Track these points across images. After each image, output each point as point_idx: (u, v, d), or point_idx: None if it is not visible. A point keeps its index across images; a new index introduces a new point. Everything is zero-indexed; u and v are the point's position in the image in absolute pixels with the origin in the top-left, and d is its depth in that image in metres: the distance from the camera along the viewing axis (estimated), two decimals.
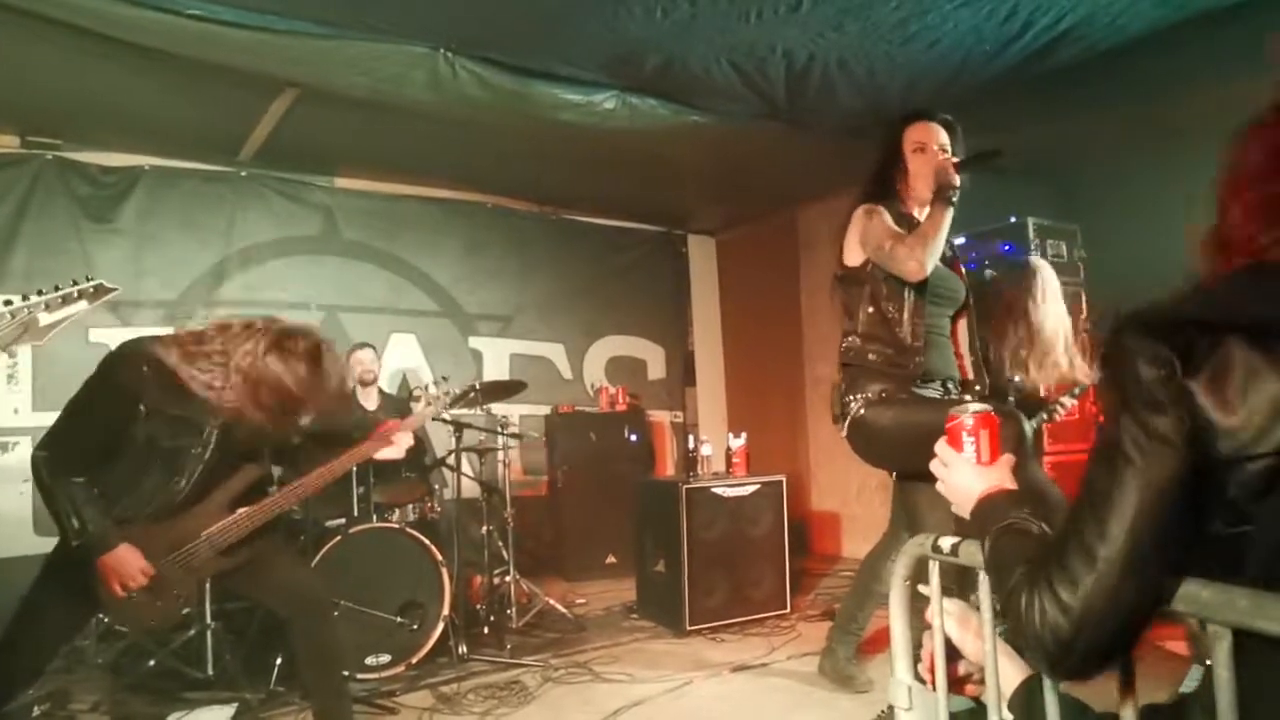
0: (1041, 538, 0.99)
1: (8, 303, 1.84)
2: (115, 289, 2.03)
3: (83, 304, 1.95)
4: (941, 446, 1.23)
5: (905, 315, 2.53)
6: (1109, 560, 0.83)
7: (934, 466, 1.24)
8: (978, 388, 2.69)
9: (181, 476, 2.34)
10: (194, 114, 4.29)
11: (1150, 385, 0.82)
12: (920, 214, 2.65)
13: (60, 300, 1.91)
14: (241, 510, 2.41)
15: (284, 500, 2.48)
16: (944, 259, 2.70)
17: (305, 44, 3.35)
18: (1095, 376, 2.96)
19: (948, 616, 1.21)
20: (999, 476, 1.16)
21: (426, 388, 3.01)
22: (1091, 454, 0.89)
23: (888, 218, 2.56)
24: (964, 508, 1.16)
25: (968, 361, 2.72)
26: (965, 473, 1.19)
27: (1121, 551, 0.83)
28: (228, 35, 3.21)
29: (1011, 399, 3.41)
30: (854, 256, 2.66)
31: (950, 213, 2.46)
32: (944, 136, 2.65)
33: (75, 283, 1.96)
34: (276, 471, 2.74)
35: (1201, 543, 0.85)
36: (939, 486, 1.24)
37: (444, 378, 3.11)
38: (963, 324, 2.74)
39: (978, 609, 1.16)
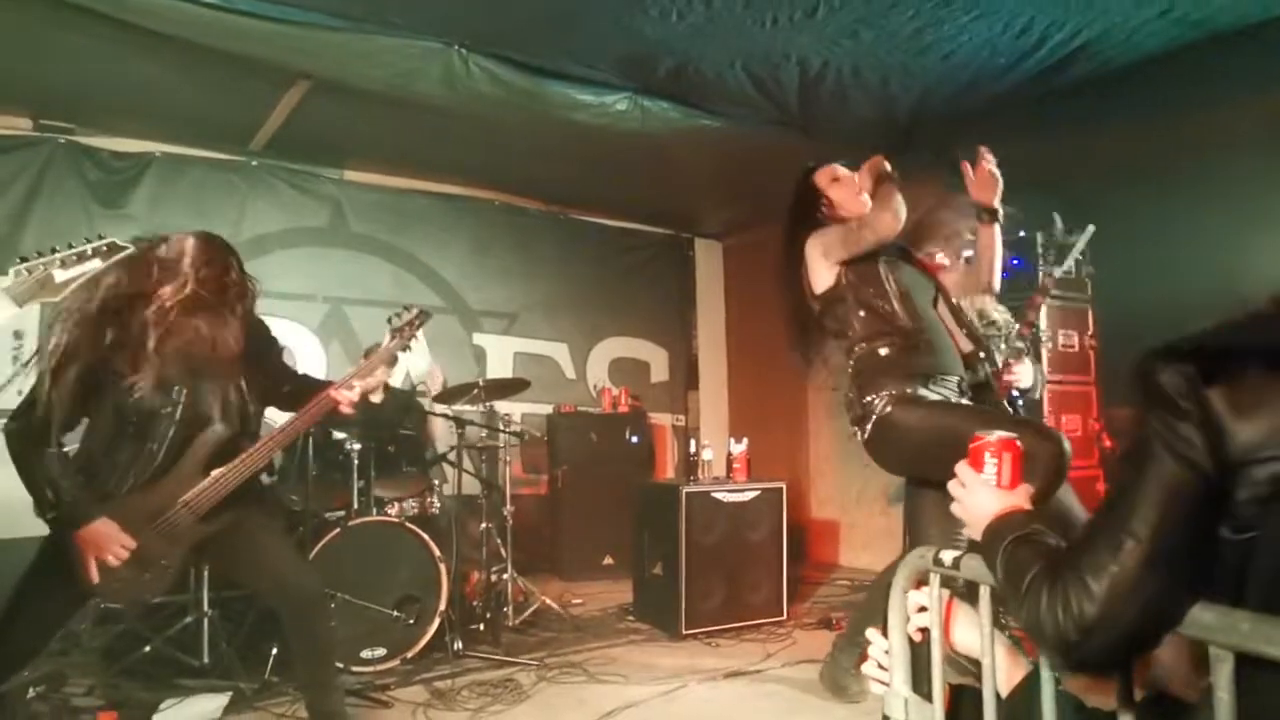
0: (1058, 549, 1.00)
1: (23, 259, 1.93)
2: (127, 248, 2.08)
3: (96, 261, 2.02)
4: (962, 467, 1.23)
5: (896, 304, 2.57)
6: (1135, 550, 0.87)
7: (951, 487, 1.23)
8: (981, 355, 2.66)
9: (155, 441, 2.33)
10: (207, 102, 4.30)
11: (1173, 394, 0.88)
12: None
13: (75, 258, 2.00)
14: (216, 471, 2.40)
15: (257, 456, 2.45)
16: (905, 256, 2.77)
17: (320, 36, 3.37)
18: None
19: (969, 625, 1.21)
20: (1018, 501, 1.16)
21: (390, 319, 2.84)
22: (1121, 457, 0.96)
23: (830, 230, 2.67)
24: (978, 530, 1.15)
25: (960, 337, 2.68)
26: (983, 495, 1.18)
27: (1147, 543, 0.87)
28: (243, 25, 3.22)
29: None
30: (824, 280, 2.66)
31: (894, 187, 2.55)
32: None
33: (88, 240, 2.04)
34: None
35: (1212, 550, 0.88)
36: (954, 508, 1.23)
37: (406, 307, 2.93)
38: (942, 307, 2.73)
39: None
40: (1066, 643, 0.90)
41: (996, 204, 2.74)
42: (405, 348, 2.81)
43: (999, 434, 1.22)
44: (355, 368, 2.72)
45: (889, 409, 2.46)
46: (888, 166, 2.61)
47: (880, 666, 1.30)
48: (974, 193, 2.78)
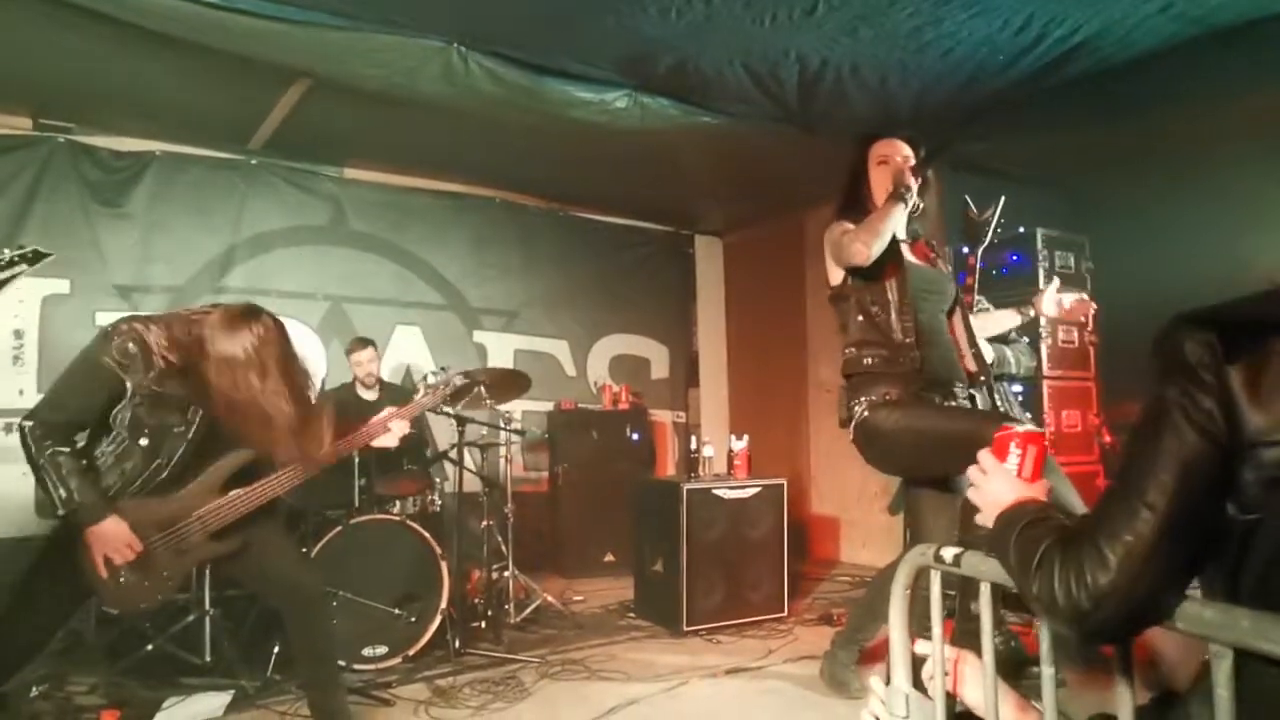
0: (1070, 526, 1.00)
1: None
2: (50, 254, 2.12)
3: (22, 266, 2.03)
4: (985, 455, 1.24)
5: (892, 315, 2.62)
6: (1151, 519, 0.87)
7: (972, 472, 1.24)
8: (982, 379, 2.72)
9: (163, 456, 2.32)
10: (206, 101, 4.30)
11: (1196, 365, 0.89)
12: None
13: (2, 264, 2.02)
14: (234, 491, 2.40)
15: (278, 484, 2.46)
16: (926, 258, 2.81)
17: (320, 35, 3.36)
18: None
19: (977, 684, 1.21)
20: (1035, 494, 1.16)
21: (425, 377, 3.01)
22: (1135, 426, 0.95)
23: (847, 225, 2.69)
24: (991, 517, 1.15)
25: (969, 356, 2.75)
26: (1003, 482, 1.19)
27: (1163, 512, 0.87)
28: (243, 24, 3.21)
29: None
30: (835, 275, 2.77)
31: (900, 208, 2.58)
32: (908, 150, 2.78)
33: (8, 251, 2.09)
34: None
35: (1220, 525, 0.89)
36: (970, 493, 1.24)
37: (443, 368, 3.09)
38: (957, 320, 2.79)
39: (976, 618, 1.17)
40: (1079, 611, 0.90)
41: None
42: (437, 408, 3.09)
43: (1028, 426, 1.24)
44: (394, 409, 2.84)
45: (866, 414, 2.57)
46: (909, 182, 2.62)
47: (875, 716, 1.29)
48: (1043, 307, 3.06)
